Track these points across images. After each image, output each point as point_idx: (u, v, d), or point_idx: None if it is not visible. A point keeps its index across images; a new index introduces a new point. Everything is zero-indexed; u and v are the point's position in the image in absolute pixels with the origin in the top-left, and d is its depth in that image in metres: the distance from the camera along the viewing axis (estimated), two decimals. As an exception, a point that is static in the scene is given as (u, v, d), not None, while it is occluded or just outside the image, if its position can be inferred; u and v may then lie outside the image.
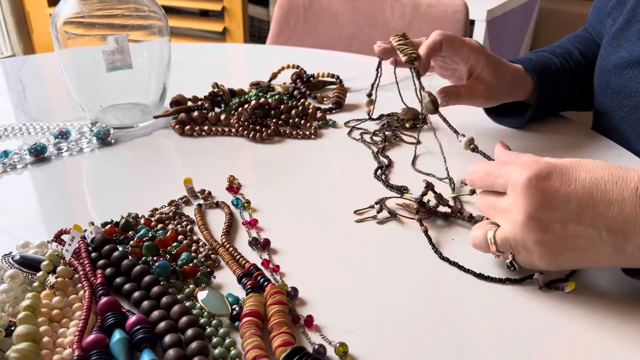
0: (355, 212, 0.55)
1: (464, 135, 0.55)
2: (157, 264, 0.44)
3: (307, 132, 0.73)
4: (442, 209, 0.54)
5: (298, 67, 0.90)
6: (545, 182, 0.39)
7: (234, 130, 0.73)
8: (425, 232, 0.50)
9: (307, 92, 0.85)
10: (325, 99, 0.84)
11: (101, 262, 0.45)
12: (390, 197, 0.57)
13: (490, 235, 0.44)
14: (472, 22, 1.57)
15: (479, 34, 1.60)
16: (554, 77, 0.72)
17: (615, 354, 0.39)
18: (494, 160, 0.49)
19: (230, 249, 0.49)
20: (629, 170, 0.40)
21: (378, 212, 0.54)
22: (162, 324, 0.38)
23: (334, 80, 0.89)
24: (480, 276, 0.46)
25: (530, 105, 0.73)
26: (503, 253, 0.44)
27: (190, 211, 0.55)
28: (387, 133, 0.71)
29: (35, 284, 0.42)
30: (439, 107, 0.59)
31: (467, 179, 0.46)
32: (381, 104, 0.83)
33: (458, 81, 0.72)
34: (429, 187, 0.54)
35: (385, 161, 0.65)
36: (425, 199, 0.54)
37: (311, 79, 0.88)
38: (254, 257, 0.49)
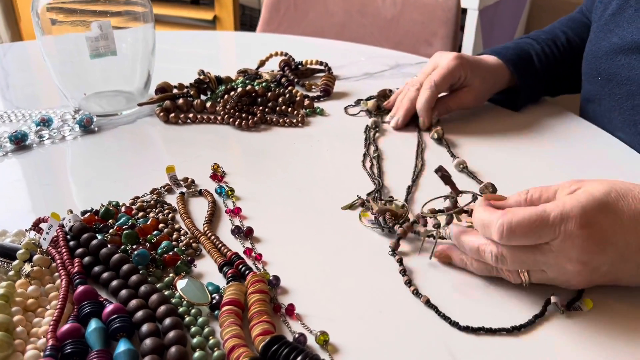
0: (343, 208, 0.53)
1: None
2: (136, 252, 0.43)
3: (295, 120, 0.72)
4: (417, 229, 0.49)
5: (286, 54, 0.89)
6: (595, 229, 0.38)
7: (219, 117, 0.72)
8: (408, 282, 0.44)
9: (295, 80, 0.83)
10: (313, 87, 0.83)
11: (79, 250, 0.44)
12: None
13: (526, 277, 0.41)
14: (464, 11, 1.56)
15: (470, 23, 1.58)
16: (531, 63, 0.73)
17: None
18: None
19: (212, 237, 0.48)
20: None
21: (362, 204, 0.53)
22: (139, 313, 0.38)
23: (322, 67, 0.88)
24: (490, 331, 0.39)
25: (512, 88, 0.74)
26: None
27: (173, 199, 0.54)
28: (373, 119, 0.70)
29: (11, 272, 0.41)
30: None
31: (500, 230, 0.39)
32: (371, 92, 0.82)
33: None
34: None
35: (373, 152, 0.65)
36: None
37: (299, 66, 0.87)
38: (236, 246, 0.48)
